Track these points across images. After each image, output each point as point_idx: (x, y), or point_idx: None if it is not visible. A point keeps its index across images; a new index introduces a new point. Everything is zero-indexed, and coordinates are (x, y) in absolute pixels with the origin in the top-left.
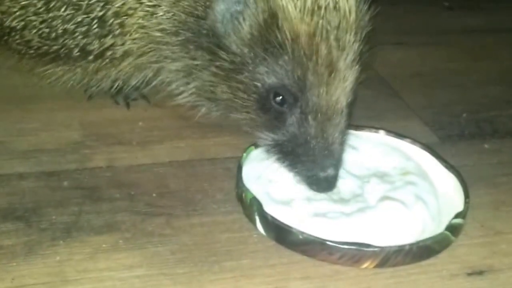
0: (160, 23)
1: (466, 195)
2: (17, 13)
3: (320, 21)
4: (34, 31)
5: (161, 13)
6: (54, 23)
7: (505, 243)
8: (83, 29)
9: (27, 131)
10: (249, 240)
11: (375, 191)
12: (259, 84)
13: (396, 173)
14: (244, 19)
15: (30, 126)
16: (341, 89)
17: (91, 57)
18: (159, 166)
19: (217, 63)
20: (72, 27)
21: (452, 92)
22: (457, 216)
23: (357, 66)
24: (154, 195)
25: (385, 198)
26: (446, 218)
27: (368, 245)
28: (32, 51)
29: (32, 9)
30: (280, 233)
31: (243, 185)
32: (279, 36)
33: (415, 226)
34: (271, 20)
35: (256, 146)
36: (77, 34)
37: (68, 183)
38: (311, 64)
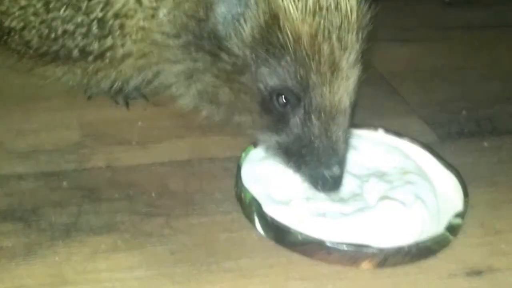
0: (160, 25)
1: (466, 194)
2: (17, 13)
3: (322, 22)
4: (34, 31)
5: (161, 15)
6: (54, 23)
7: (505, 242)
8: (83, 30)
9: (26, 131)
10: (248, 240)
11: (374, 190)
12: (261, 86)
13: (395, 173)
14: (245, 21)
15: (29, 126)
16: (344, 89)
17: (90, 58)
18: (158, 165)
19: (219, 65)
20: (72, 28)
21: (451, 89)
22: (456, 215)
23: (359, 65)
24: (153, 195)
25: (384, 197)
26: (445, 217)
27: (367, 246)
28: (31, 51)
29: (31, 9)
30: (279, 233)
31: (242, 185)
32: (280, 37)
33: (414, 225)
34: (273, 22)
35: (255, 145)
36: (76, 35)
37: (68, 183)
38: (314, 64)
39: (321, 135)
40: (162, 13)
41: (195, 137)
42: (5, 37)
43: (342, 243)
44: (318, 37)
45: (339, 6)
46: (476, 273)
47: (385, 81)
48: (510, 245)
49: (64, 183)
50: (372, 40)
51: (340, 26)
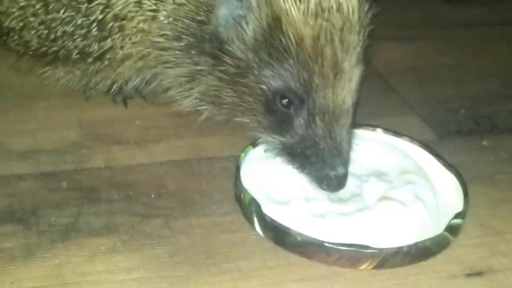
0: (161, 28)
1: (466, 195)
2: (16, 14)
3: (324, 24)
4: (33, 32)
5: (162, 18)
6: (53, 24)
7: (504, 243)
8: (82, 31)
9: (25, 131)
10: (247, 241)
11: (373, 190)
12: (264, 87)
13: (394, 172)
14: (247, 23)
15: (28, 126)
16: (347, 89)
17: (90, 60)
18: (157, 165)
19: (221, 68)
20: (71, 29)
21: (450, 87)
22: (456, 216)
23: (361, 65)
24: (152, 195)
25: (383, 197)
26: (445, 217)
27: (366, 247)
28: (31, 52)
29: (31, 10)
30: (278, 234)
31: (242, 186)
32: (283, 40)
33: (413, 225)
34: (275, 24)
35: (254, 145)
36: (76, 36)
37: (67, 184)
38: (317, 66)
39: (325, 136)
40: (162, 15)
41: (194, 136)
42: (4, 37)
43: (342, 244)
44: (321, 39)
45: (341, 8)
46: (476, 273)
47: (383, 79)
48: (510, 245)
49: (64, 184)
50: (370, 38)
51: (342, 28)
